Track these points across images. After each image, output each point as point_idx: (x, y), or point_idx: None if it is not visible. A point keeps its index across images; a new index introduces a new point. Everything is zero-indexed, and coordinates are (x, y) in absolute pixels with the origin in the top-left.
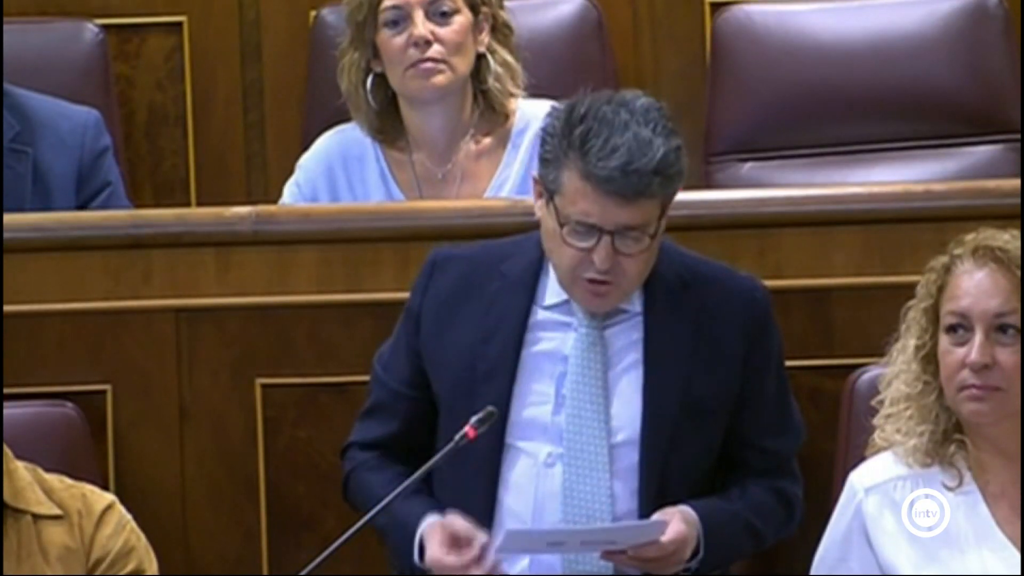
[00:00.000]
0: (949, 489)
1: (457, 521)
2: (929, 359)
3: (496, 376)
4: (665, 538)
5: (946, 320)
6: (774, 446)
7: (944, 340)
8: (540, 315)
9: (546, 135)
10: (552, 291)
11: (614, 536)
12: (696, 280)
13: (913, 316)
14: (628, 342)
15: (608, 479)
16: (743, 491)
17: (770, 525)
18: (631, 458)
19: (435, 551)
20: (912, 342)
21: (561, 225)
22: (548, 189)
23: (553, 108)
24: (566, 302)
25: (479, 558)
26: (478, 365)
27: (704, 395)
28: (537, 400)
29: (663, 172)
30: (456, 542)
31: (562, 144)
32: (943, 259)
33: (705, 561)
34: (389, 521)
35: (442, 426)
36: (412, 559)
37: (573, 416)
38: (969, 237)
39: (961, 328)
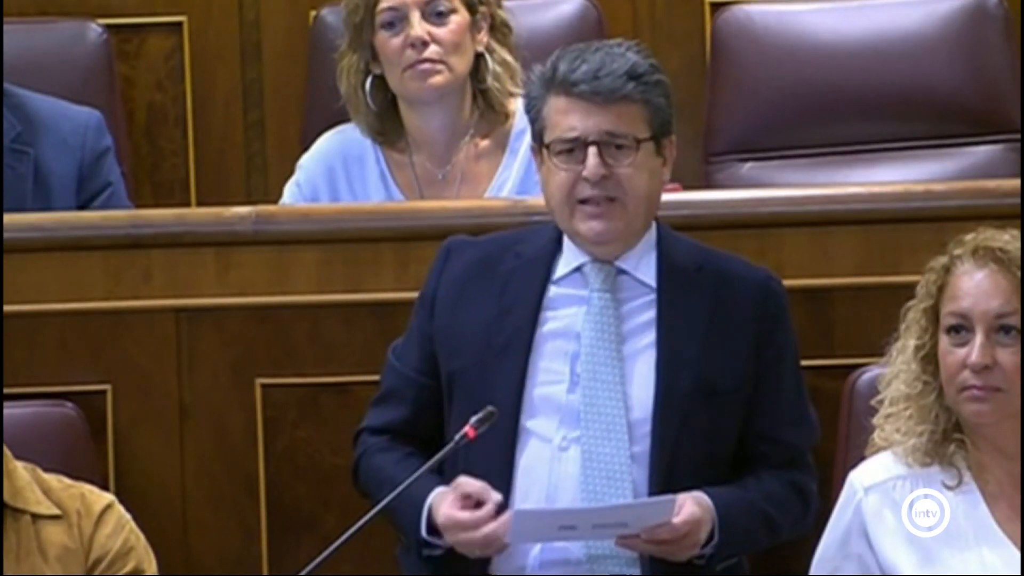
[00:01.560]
0: (949, 488)
1: (469, 482)
2: (929, 359)
3: (510, 353)
4: (678, 520)
5: (946, 321)
6: (790, 438)
7: (944, 341)
8: (553, 292)
9: (530, 86)
10: (564, 261)
11: (625, 516)
12: (711, 265)
13: (913, 316)
14: (642, 321)
15: (628, 459)
16: (758, 481)
17: (786, 517)
18: (644, 440)
19: (447, 509)
20: (912, 342)
21: (548, 149)
22: (538, 133)
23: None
24: (578, 269)
25: (493, 515)
26: (493, 340)
27: (716, 376)
28: (551, 379)
29: (635, 76)
30: (469, 501)
31: (542, 81)
32: (943, 259)
33: (720, 547)
34: (396, 497)
35: (457, 403)
36: (419, 532)
37: (588, 394)
38: (969, 237)
39: (962, 329)
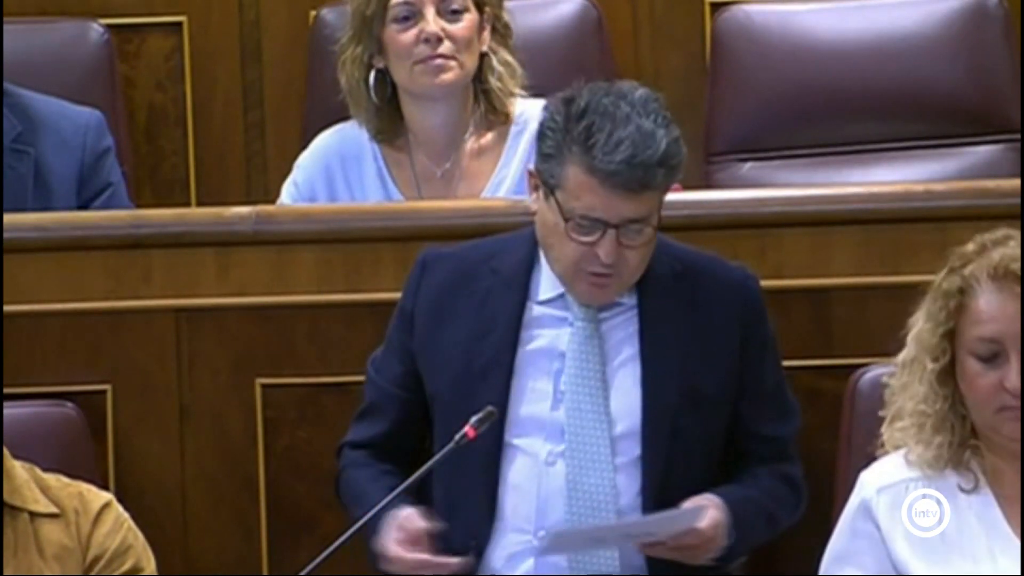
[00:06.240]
0: (964, 492)
1: (411, 520)
2: (946, 377)
3: (492, 373)
4: (704, 525)
5: (975, 347)
6: (776, 433)
7: (973, 363)
8: (535, 311)
9: (546, 130)
10: (546, 286)
11: (652, 528)
12: (688, 270)
13: (928, 340)
14: (624, 335)
15: (612, 473)
16: (754, 478)
17: (783, 510)
18: (632, 451)
19: (384, 539)
20: (928, 364)
21: (565, 220)
22: (548, 184)
23: (549, 102)
24: (561, 296)
25: (423, 560)
26: (474, 362)
27: (703, 383)
28: (535, 397)
29: (667, 163)
30: (408, 538)
31: (564, 139)
32: (955, 280)
33: (732, 549)
34: (364, 508)
35: (439, 425)
36: (371, 538)
37: (573, 411)
38: (970, 250)
39: (994, 354)
